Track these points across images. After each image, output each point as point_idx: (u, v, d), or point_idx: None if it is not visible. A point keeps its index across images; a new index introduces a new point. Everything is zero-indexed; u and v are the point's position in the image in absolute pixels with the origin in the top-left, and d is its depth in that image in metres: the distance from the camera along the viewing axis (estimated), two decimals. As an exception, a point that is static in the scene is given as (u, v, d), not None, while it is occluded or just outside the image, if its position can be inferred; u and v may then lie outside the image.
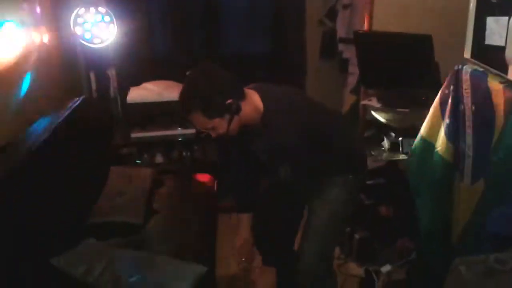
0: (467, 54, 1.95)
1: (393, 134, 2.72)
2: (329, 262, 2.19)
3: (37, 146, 2.07)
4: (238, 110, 1.76)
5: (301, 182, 1.87)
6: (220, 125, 1.78)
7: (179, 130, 3.29)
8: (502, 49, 1.70)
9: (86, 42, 2.96)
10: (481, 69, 1.86)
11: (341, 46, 3.52)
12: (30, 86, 2.37)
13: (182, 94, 1.80)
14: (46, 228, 1.94)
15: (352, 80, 3.43)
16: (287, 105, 1.86)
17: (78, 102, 2.66)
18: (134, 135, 3.22)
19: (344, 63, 3.56)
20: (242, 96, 1.79)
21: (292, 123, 1.78)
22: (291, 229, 2.05)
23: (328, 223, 2.03)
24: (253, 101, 1.83)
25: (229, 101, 1.73)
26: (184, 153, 3.40)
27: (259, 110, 1.82)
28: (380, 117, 2.71)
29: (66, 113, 2.48)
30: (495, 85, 1.73)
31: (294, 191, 1.89)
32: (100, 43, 2.98)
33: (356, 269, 2.76)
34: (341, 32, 3.48)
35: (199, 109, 1.74)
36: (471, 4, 1.90)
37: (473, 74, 1.87)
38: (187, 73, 1.85)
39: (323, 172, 1.99)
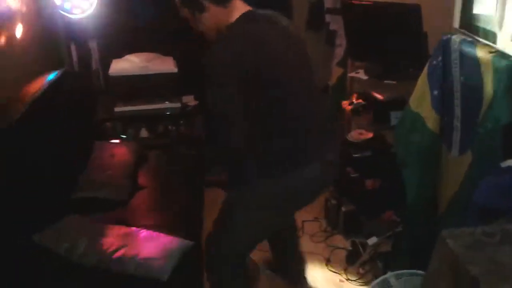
0: (455, 24, 1.92)
1: (380, 107, 2.70)
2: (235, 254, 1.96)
3: (16, 119, 2.01)
4: (201, 8, 1.68)
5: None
6: (189, 16, 1.73)
7: (165, 104, 3.23)
8: (491, 18, 1.67)
9: (66, 12, 2.87)
10: (470, 39, 1.83)
11: (328, 17, 3.46)
12: (7, 58, 2.29)
13: None
14: (27, 204, 1.90)
15: (339, 52, 3.38)
16: (255, 39, 1.65)
17: (58, 75, 2.59)
18: (117, 109, 3.16)
19: (331, 34, 3.50)
20: (219, 1, 1.69)
21: (235, 59, 1.59)
22: None
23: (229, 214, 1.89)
24: (228, 13, 1.70)
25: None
26: (169, 127, 3.35)
27: (219, 26, 1.71)
28: (368, 89, 2.69)
29: (46, 85, 2.41)
30: (483, 55, 1.70)
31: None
32: (80, 13, 2.89)
33: (342, 242, 2.77)
34: (328, 2, 3.41)
35: None
36: (461, -28, 1.85)
37: (462, 44, 1.84)
38: None
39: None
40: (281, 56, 1.67)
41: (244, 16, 1.70)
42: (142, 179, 2.52)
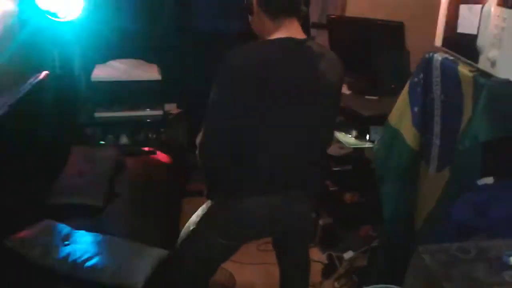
0: (438, 43, 1.94)
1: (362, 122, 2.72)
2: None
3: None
4: (249, 11, 1.67)
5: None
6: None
7: (147, 111, 3.21)
8: (473, 37, 1.69)
9: (51, 16, 2.83)
10: (452, 58, 1.85)
11: (313, 31, 3.49)
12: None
13: None
14: (1, 207, 1.85)
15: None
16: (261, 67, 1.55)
17: (39, 78, 2.55)
18: (98, 114, 3.13)
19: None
20: (269, 12, 1.63)
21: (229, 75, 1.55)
22: None
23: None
24: (272, 29, 1.64)
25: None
26: (150, 135, 3.32)
27: (262, 34, 1.67)
28: (349, 104, 2.70)
29: (27, 88, 2.37)
30: (465, 74, 1.73)
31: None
32: (65, 17, 2.86)
33: (318, 255, 2.76)
34: (314, 17, 3.44)
35: None
36: (444, -8, 1.88)
37: (444, 62, 1.87)
38: None
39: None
40: (274, 99, 1.59)
41: (274, 42, 1.61)
42: (119, 187, 2.48)
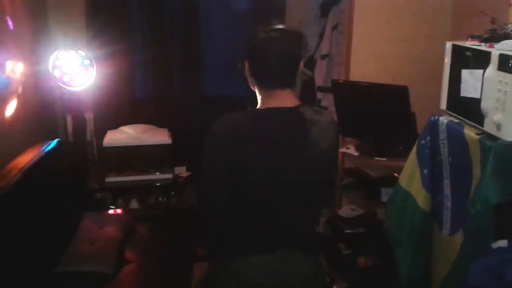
0: (443, 106, 1.98)
1: (371, 183, 2.72)
2: None
3: (8, 189, 2.00)
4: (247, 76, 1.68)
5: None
6: None
7: (157, 175, 3.24)
8: (477, 101, 1.73)
9: (64, 85, 2.93)
10: (457, 121, 1.88)
11: (319, 95, 3.57)
12: (4, 127, 2.32)
13: None
14: (12, 276, 1.84)
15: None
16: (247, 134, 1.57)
17: (52, 145, 2.61)
18: (109, 179, 3.15)
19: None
20: (261, 82, 1.64)
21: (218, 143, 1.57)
22: None
23: None
24: (263, 98, 1.65)
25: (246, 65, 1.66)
26: (160, 199, 3.33)
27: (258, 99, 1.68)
28: (358, 166, 2.72)
29: (39, 155, 2.42)
30: (471, 137, 1.75)
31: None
32: (78, 86, 2.96)
33: (335, 321, 2.69)
34: (319, 81, 3.53)
35: None
36: (447, 57, 1.94)
37: (449, 125, 1.90)
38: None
39: None
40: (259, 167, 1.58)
41: (263, 112, 1.63)
42: (129, 253, 2.46)
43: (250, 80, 1.68)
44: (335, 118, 3.15)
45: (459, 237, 1.83)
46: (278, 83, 1.63)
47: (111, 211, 3.01)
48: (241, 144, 1.56)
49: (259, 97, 1.68)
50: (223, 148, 1.56)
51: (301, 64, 1.66)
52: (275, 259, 1.64)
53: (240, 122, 1.59)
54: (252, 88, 1.71)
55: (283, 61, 1.61)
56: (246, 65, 1.66)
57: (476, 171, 1.71)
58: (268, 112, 1.62)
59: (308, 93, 3.71)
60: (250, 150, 1.56)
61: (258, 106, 1.67)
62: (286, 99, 1.63)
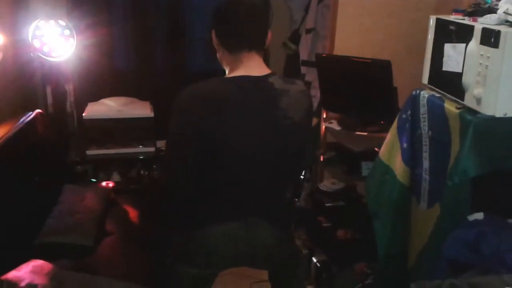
0: (424, 80, 1.99)
1: (352, 157, 2.74)
2: None
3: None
4: (215, 47, 1.65)
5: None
6: None
7: (139, 148, 3.21)
8: (459, 75, 1.73)
9: (44, 55, 2.87)
10: (438, 95, 1.89)
11: (303, 69, 3.55)
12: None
13: None
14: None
15: (313, 102, 3.44)
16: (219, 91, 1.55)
17: (31, 116, 2.56)
18: (90, 152, 3.12)
19: (307, 86, 3.58)
20: (225, 45, 1.62)
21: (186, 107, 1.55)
22: None
23: None
24: (231, 64, 1.62)
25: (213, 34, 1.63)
26: (142, 172, 3.31)
27: (227, 71, 1.65)
28: (340, 140, 2.73)
29: (18, 127, 2.38)
30: (451, 111, 1.76)
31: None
32: (58, 56, 2.90)
33: (313, 293, 2.73)
34: (303, 55, 3.51)
35: None
36: (430, 31, 1.94)
37: (430, 99, 1.90)
38: None
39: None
40: (235, 132, 1.57)
41: (230, 80, 1.59)
42: (110, 225, 2.46)
43: (218, 50, 1.65)
44: (317, 94, 3.16)
45: (436, 210, 1.86)
46: (244, 42, 1.58)
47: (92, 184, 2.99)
48: (207, 113, 1.53)
49: (226, 68, 1.65)
50: (189, 118, 1.55)
51: (269, 33, 1.62)
52: (239, 227, 1.63)
53: (206, 91, 1.56)
54: (221, 62, 1.67)
55: (248, 16, 1.56)
56: (213, 34, 1.63)
57: (455, 145, 1.73)
58: (235, 81, 1.58)
59: (292, 67, 3.70)
60: (218, 120, 1.54)
61: (226, 75, 1.65)
62: (254, 67, 1.60)
